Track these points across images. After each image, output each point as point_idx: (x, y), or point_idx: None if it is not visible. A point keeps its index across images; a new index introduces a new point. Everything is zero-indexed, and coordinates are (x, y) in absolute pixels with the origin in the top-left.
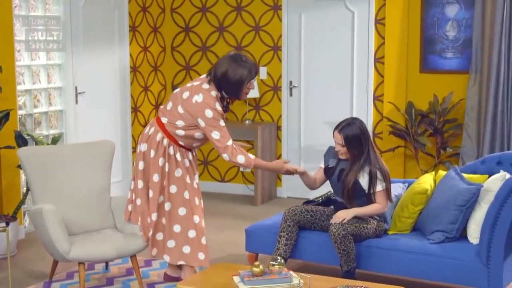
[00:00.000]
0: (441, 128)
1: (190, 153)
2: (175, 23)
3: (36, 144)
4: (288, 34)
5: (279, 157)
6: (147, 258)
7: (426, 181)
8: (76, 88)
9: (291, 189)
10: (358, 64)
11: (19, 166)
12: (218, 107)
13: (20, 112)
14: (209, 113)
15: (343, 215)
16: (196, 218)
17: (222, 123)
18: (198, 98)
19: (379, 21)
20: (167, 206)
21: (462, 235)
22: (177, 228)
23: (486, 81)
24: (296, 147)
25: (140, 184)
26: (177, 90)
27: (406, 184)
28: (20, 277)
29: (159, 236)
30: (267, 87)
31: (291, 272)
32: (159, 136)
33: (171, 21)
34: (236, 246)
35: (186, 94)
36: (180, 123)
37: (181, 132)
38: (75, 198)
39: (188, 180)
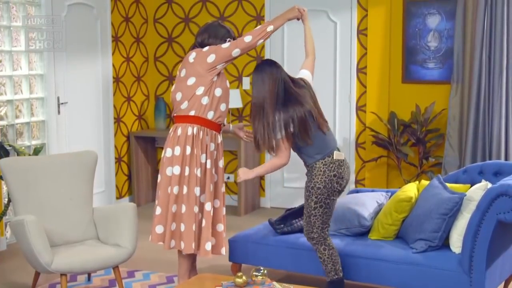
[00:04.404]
0: (423, 138)
1: (219, 136)
2: (158, 34)
3: (18, 155)
4: (271, 44)
5: None
6: (130, 269)
7: (410, 189)
8: (58, 98)
9: (275, 199)
10: (341, 74)
11: (1, 177)
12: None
13: (1, 122)
14: (206, 48)
15: (242, 175)
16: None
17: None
18: (192, 56)
19: (362, 32)
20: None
21: (445, 244)
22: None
23: (467, 91)
24: None
25: (198, 191)
26: (173, 87)
27: (389, 193)
28: None
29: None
30: (251, 97)
31: (274, 283)
32: (189, 130)
33: (154, 31)
34: (219, 256)
35: (183, 72)
36: (199, 91)
37: (205, 100)
38: (57, 209)
39: (208, 165)
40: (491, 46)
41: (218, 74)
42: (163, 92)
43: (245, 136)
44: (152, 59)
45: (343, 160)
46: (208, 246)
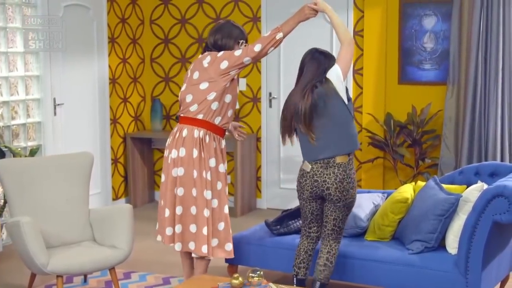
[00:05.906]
0: (419, 139)
1: (223, 141)
2: (154, 35)
3: (14, 156)
4: None
5: (258, 168)
6: (126, 271)
7: (407, 190)
8: (54, 99)
9: (271, 200)
10: None
11: None
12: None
13: None
14: (221, 54)
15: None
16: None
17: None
18: (206, 60)
19: (358, 33)
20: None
21: (441, 245)
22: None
23: (463, 93)
24: (275, 159)
25: (195, 192)
26: (183, 88)
27: (385, 194)
28: None
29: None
30: (247, 98)
31: (271, 284)
32: (196, 132)
33: (150, 32)
34: (217, 257)
35: (196, 74)
36: (211, 96)
37: (215, 105)
38: (53, 210)
39: (221, 169)
40: (487, 48)
41: (232, 80)
42: (159, 93)
43: (237, 135)
44: (148, 60)
45: (308, 172)
46: (228, 246)
